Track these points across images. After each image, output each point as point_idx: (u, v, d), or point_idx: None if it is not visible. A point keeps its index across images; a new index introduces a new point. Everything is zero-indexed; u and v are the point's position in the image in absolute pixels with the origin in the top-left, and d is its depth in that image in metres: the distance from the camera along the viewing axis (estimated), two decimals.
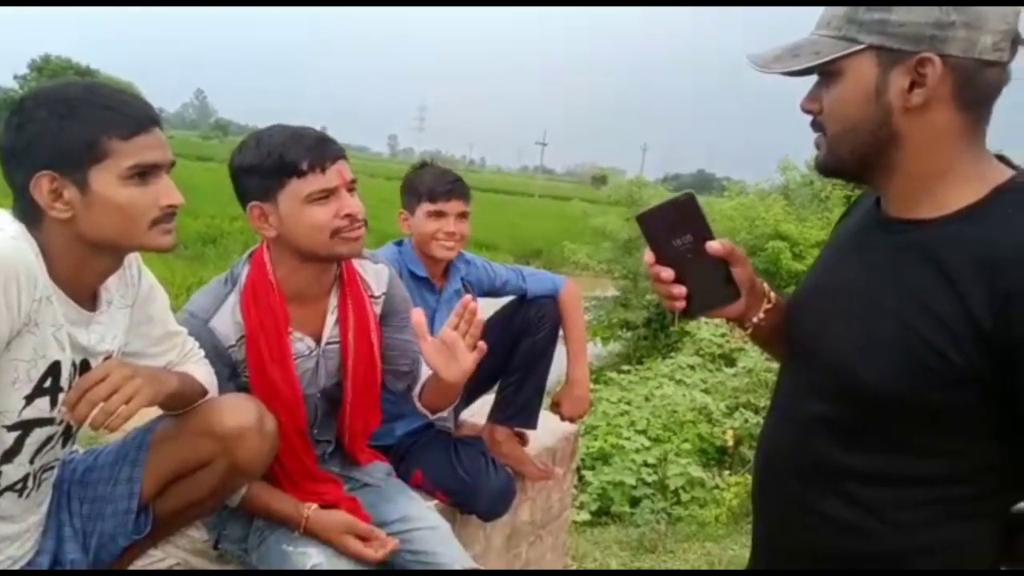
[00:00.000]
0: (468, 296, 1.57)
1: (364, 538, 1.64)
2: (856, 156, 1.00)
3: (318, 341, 1.67)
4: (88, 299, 1.30)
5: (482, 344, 1.53)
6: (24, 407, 1.22)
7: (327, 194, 1.52)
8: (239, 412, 1.45)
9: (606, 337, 11.79)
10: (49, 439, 1.30)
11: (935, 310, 0.91)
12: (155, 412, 1.47)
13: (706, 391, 6.73)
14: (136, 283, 1.43)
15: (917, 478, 0.97)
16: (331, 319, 1.68)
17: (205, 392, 1.48)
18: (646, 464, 5.24)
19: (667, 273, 1.06)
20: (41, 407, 1.24)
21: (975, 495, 0.96)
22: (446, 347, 1.52)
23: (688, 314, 1.09)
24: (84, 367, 1.30)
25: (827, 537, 1.05)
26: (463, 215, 2.17)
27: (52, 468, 1.37)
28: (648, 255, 1.07)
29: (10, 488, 1.28)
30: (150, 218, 1.25)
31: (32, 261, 1.16)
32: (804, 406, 1.08)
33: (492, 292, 2.37)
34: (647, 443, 5.53)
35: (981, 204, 0.93)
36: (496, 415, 2.36)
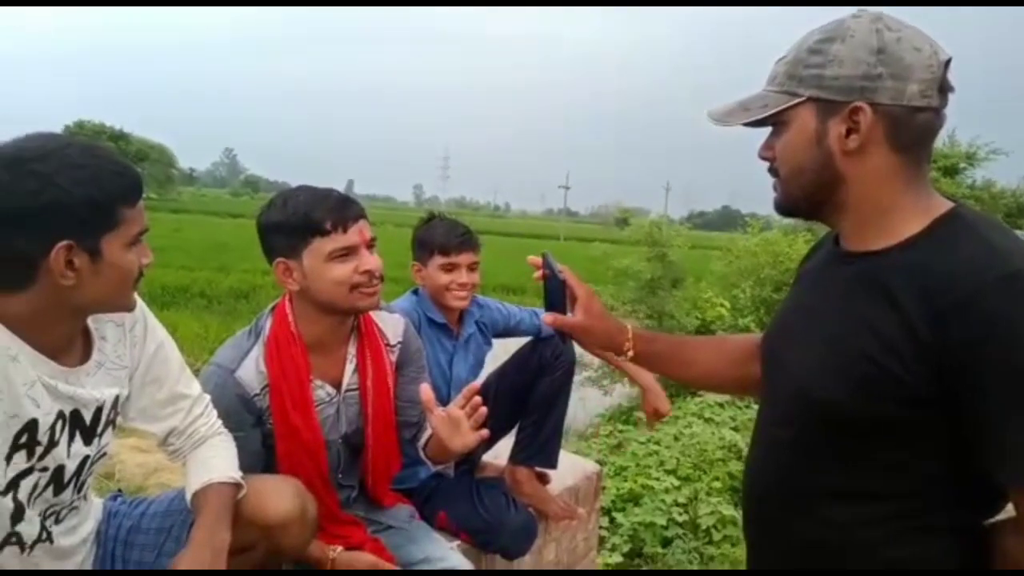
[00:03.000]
0: (475, 384, 1.63)
1: None
2: (806, 195, 1.10)
3: (338, 388, 1.75)
4: (68, 354, 1.29)
5: (484, 432, 1.58)
6: (6, 468, 1.21)
7: (348, 251, 1.62)
8: (283, 500, 1.49)
9: None
10: (35, 487, 1.28)
11: (881, 332, 0.98)
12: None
13: (735, 429, 6.65)
14: (141, 343, 1.43)
15: (877, 494, 1.02)
16: (350, 367, 1.76)
17: (239, 488, 1.48)
18: (676, 504, 5.18)
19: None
20: (18, 461, 1.23)
21: (936, 509, 1.00)
22: (452, 421, 1.58)
23: None
24: (75, 417, 1.29)
25: (802, 557, 1.09)
26: (473, 265, 2.25)
27: (55, 513, 1.35)
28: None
29: (39, 541, 1.32)
30: (134, 279, 1.27)
31: None
32: (773, 431, 1.16)
33: (507, 332, 2.44)
34: (677, 483, 5.46)
35: (924, 233, 1.01)
36: (516, 456, 2.41)
